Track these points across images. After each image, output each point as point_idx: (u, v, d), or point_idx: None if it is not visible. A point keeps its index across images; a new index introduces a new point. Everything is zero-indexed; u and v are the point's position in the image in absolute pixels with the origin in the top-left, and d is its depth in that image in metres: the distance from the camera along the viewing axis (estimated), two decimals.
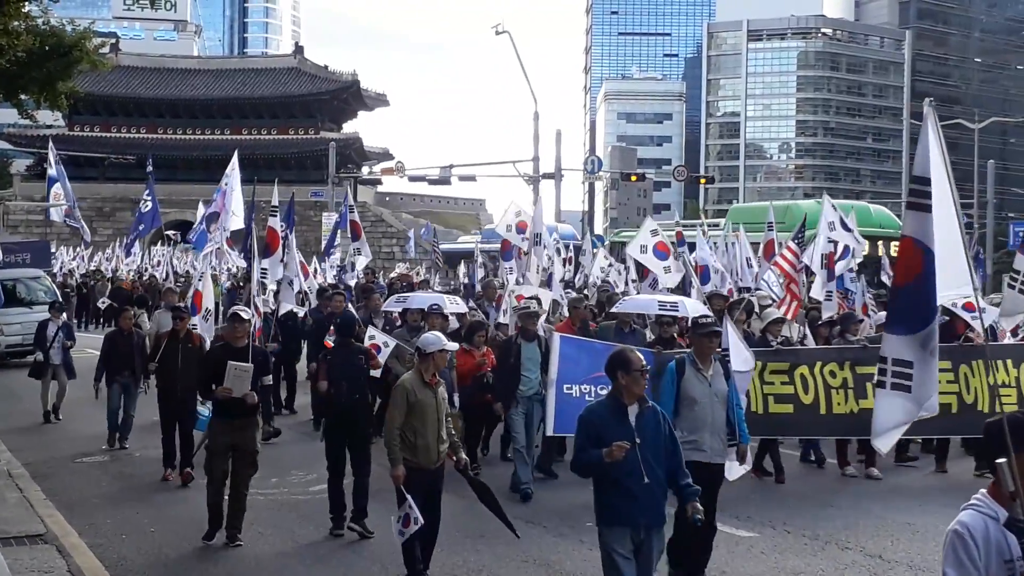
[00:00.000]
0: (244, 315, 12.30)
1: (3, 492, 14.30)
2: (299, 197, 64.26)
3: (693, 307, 16.72)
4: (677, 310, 16.06)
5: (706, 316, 12.13)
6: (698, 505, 8.10)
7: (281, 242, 25.67)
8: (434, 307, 16.29)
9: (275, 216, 25.17)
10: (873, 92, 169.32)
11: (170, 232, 54.73)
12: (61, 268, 52.65)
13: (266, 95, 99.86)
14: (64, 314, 21.08)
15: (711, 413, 10.05)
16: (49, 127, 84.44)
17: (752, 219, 29.47)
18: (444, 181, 63.67)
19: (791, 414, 14.54)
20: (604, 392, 12.90)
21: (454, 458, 10.44)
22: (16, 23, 19.27)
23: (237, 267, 43.48)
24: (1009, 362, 15.15)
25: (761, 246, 24.54)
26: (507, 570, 10.92)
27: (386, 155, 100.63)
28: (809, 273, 21.17)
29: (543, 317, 16.38)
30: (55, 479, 15.24)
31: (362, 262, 27.02)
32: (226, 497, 11.96)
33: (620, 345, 14.74)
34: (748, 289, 22.43)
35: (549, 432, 13.92)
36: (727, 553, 11.35)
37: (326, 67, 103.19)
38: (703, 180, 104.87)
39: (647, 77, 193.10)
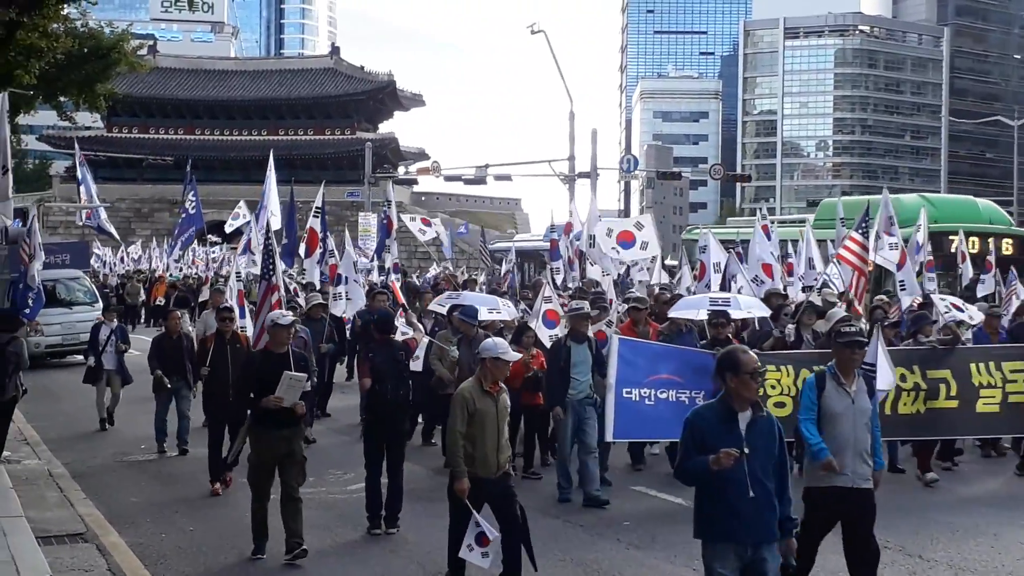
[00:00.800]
0: (284, 321, 11.62)
1: (44, 491, 14.40)
2: (335, 197, 64.75)
3: (747, 303, 16.53)
4: (729, 305, 15.69)
5: (849, 324, 11.79)
6: (793, 543, 7.45)
7: (320, 244, 25.81)
8: (467, 312, 15.48)
9: (317, 217, 25.28)
10: (911, 89, 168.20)
11: (212, 236, 54.98)
12: (105, 267, 53.08)
13: (302, 96, 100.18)
14: (115, 316, 20.25)
15: (853, 433, 8.94)
16: (87, 129, 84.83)
17: (848, 214, 27.19)
18: (480, 181, 63.57)
19: None
20: (664, 396, 13.21)
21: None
22: (55, 26, 19.37)
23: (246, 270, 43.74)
24: (992, 364, 14.59)
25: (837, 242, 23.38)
26: (545, 570, 10.89)
27: (422, 155, 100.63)
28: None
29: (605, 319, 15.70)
30: (95, 479, 15.29)
31: (389, 260, 26.31)
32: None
33: (678, 346, 14.38)
34: (810, 288, 21.39)
35: (608, 438, 13.38)
36: None
37: (362, 68, 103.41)
38: (740, 179, 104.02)
39: (683, 75, 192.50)
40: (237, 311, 16.73)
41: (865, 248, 18.90)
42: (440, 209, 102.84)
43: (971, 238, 26.11)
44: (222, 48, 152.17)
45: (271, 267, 14.69)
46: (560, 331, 15.13)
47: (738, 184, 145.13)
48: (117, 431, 18.83)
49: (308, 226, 26.07)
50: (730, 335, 14.49)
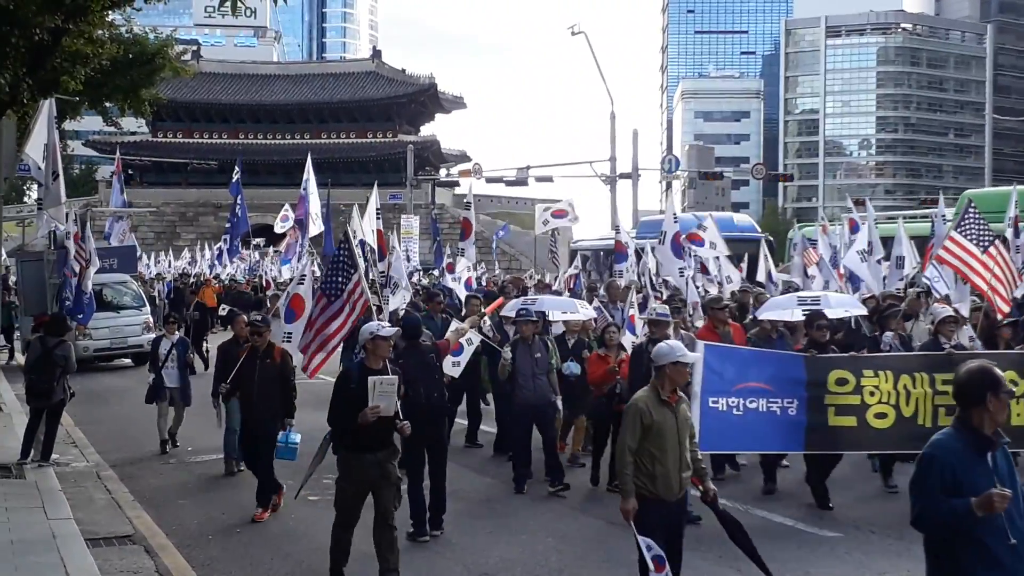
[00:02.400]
0: (386, 332, 10.48)
1: (92, 493, 14.49)
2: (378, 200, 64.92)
3: (841, 301, 15.85)
4: (819, 304, 14.82)
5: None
6: None
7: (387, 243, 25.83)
8: (522, 312, 15.02)
9: (379, 219, 25.19)
10: (955, 87, 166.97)
11: (258, 240, 55.17)
12: (158, 271, 53.35)
13: (344, 99, 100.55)
14: (179, 327, 17.96)
15: None
16: (132, 134, 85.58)
17: (992, 207, 23.66)
18: (521, 182, 63.66)
19: None
20: (753, 406, 12.22)
21: (700, 488, 8.99)
22: (100, 32, 19.45)
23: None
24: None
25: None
26: (588, 570, 10.86)
27: (463, 157, 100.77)
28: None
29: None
30: (142, 480, 15.38)
31: (463, 264, 25.55)
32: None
33: (767, 351, 13.39)
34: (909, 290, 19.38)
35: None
36: (810, 553, 11.20)
37: (403, 71, 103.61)
38: (782, 178, 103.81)
39: (724, 75, 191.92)
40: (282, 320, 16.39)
41: (964, 248, 16.56)
42: (482, 211, 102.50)
43: None
44: (265, 52, 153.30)
45: (343, 280, 12.83)
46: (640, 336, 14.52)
47: (780, 184, 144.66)
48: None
49: (376, 229, 25.87)
50: (827, 339, 13.53)
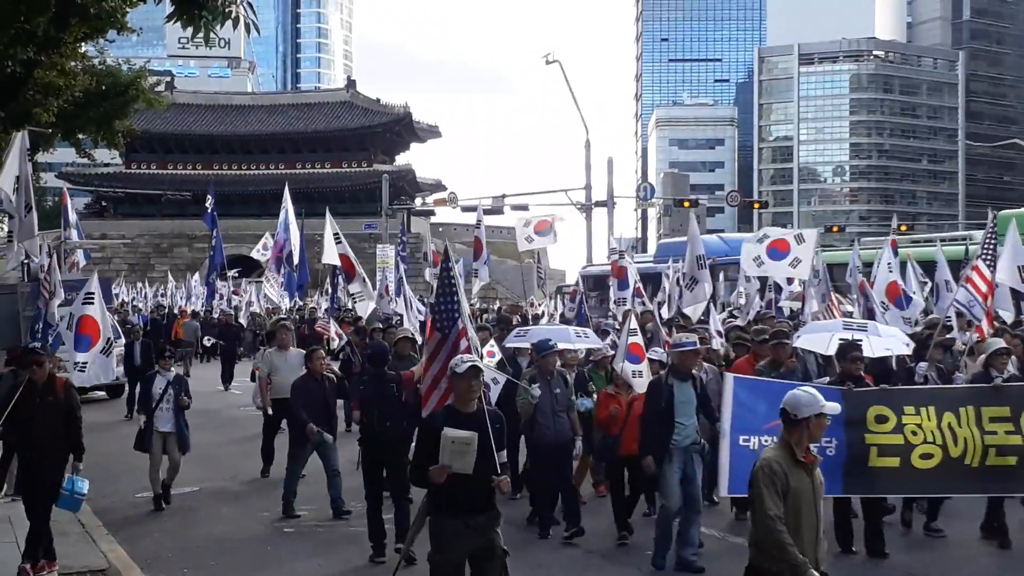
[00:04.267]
0: (472, 363, 8.51)
1: (65, 527, 14.40)
2: (353, 229, 64.87)
3: (886, 334, 14.57)
4: (866, 331, 13.88)
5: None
6: None
7: (355, 266, 25.72)
8: (546, 344, 13.97)
9: (341, 243, 25.18)
10: (927, 114, 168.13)
11: (234, 271, 55.08)
12: (122, 305, 53.06)
13: (319, 129, 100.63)
14: (174, 363, 16.01)
15: None
16: (106, 166, 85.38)
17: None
18: (497, 211, 63.61)
19: (1014, 467, 11.36)
20: None
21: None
22: (73, 64, 19.54)
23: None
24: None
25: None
26: None
27: (439, 186, 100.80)
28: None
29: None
30: (116, 513, 15.33)
31: (478, 285, 24.81)
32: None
33: (802, 383, 11.86)
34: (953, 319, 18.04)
35: (723, 492, 11.55)
36: None
37: (378, 100, 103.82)
38: (757, 205, 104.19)
39: (698, 103, 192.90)
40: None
41: (984, 279, 16.07)
42: (458, 239, 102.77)
43: None
44: (239, 83, 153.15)
45: (454, 311, 11.00)
46: (645, 368, 13.52)
47: (755, 210, 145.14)
48: (137, 465, 17.07)
49: (340, 254, 25.95)
50: (863, 372, 12.37)
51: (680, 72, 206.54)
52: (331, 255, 24.00)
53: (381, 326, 23.22)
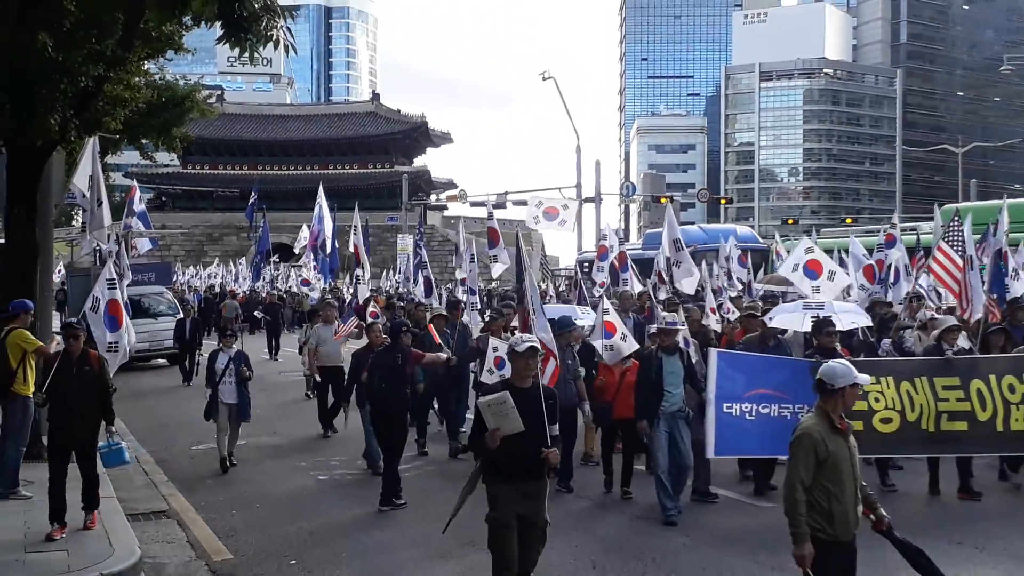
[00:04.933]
0: (531, 344, 7.82)
1: (132, 476, 14.48)
2: (377, 222, 64.91)
3: (844, 310, 14.20)
4: (823, 309, 13.49)
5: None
6: None
7: (364, 256, 25.76)
8: (565, 321, 13.60)
9: (357, 235, 25.23)
10: (869, 123, 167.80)
11: (274, 256, 55.15)
12: (180, 285, 53.07)
13: (348, 136, 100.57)
14: (236, 340, 15.09)
15: None
16: (166, 167, 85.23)
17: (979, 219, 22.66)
18: (500, 205, 63.47)
19: (965, 431, 11.29)
20: (766, 411, 11.13)
21: (871, 516, 6.94)
22: (137, 79, 19.46)
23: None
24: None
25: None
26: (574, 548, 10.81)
27: (451, 184, 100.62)
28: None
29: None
30: (175, 465, 15.39)
31: (498, 269, 23.85)
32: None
33: (778, 357, 12.03)
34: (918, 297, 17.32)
35: (709, 454, 11.29)
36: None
37: (399, 111, 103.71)
38: (723, 201, 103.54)
39: (673, 114, 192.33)
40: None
41: (951, 260, 15.44)
42: (467, 231, 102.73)
43: None
44: (279, 96, 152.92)
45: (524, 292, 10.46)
46: (616, 342, 13.10)
47: (722, 206, 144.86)
48: (192, 422, 17.31)
49: (353, 243, 26.06)
50: (837, 345, 11.99)
51: (658, 87, 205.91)
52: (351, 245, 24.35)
53: (415, 301, 23.09)
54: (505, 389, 7.58)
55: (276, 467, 15.17)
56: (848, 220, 76.61)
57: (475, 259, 23.93)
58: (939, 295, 18.31)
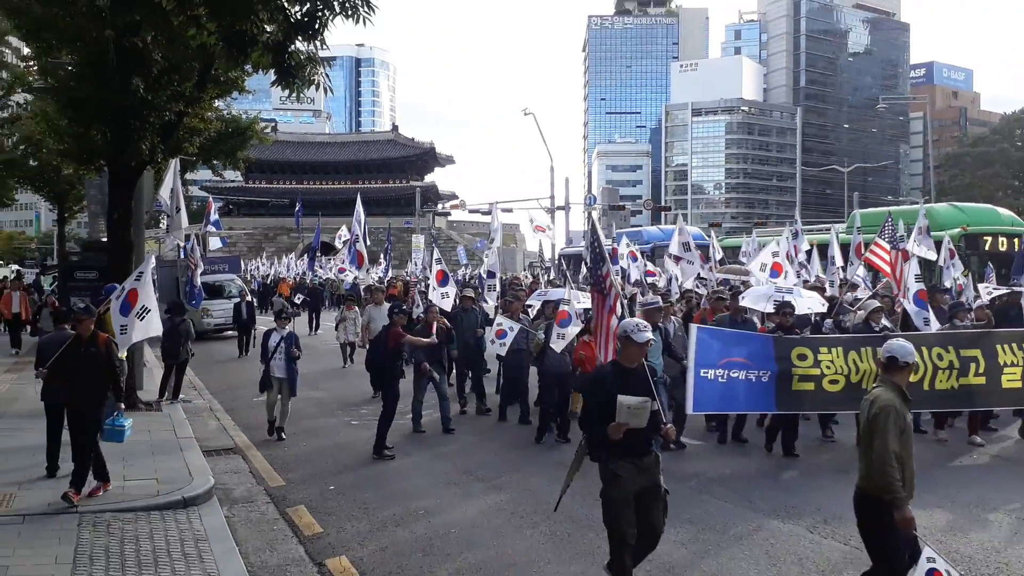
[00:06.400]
0: (641, 337, 6.34)
1: (207, 421, 14.49)
2: (396, 224, 64.80)
3: (804, 297, 13.82)
4: (791, 294, 13.23)
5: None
6: None
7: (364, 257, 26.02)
8: (556, 302, 13.20)
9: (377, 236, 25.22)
10: (776, 149, 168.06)
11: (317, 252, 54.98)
12: (245, 273, 52.83)
13: (373, 158, 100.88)
14: (289, 322, 13.79)
15: None
16: (232, 182, 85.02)
17: (872, 223, 22.74)
18: (491, 212, 63.99)
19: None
20: (736, 375, 10.55)
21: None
22: (209, 114, 19.41)
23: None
24: (1015, 345, 11.65)
25: (851, 247, 19.77)
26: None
27: (453, 196, 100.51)
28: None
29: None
30: (240, 413, 15.37)
31: (493, 257, 23.12)
32: None
33: (747, 332, 11.59)
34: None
35: (689, 411, 10.69)
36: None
37: (413, 139, 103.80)
38: (663, 209, 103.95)
39: (625, 141, 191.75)
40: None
41: (888, 252, 14.81)
42: (466, 231, 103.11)
43: (1000, 238, 22.22)
44: (320, 127, 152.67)
45: (601, 274, 9.01)
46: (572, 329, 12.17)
47: (662, 213, 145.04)
48: (254, 383, 17.69)
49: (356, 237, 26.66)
50: (793, 324, 11.83)
51: (613, 120, 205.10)
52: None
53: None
54: (613, 369, 6.36)
55: (320, 416, 15.15)
56: (758, 223, 76.74)
57: (499, 251, 24.17)
58: (876, 281, 17.61)
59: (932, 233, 18.20)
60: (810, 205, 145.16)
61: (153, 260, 11.73)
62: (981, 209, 24.67)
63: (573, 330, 12.11)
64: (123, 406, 9.39)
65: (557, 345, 12.07)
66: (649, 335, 6.38)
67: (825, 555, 7.67)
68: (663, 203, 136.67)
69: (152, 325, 11.26)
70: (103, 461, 9.23)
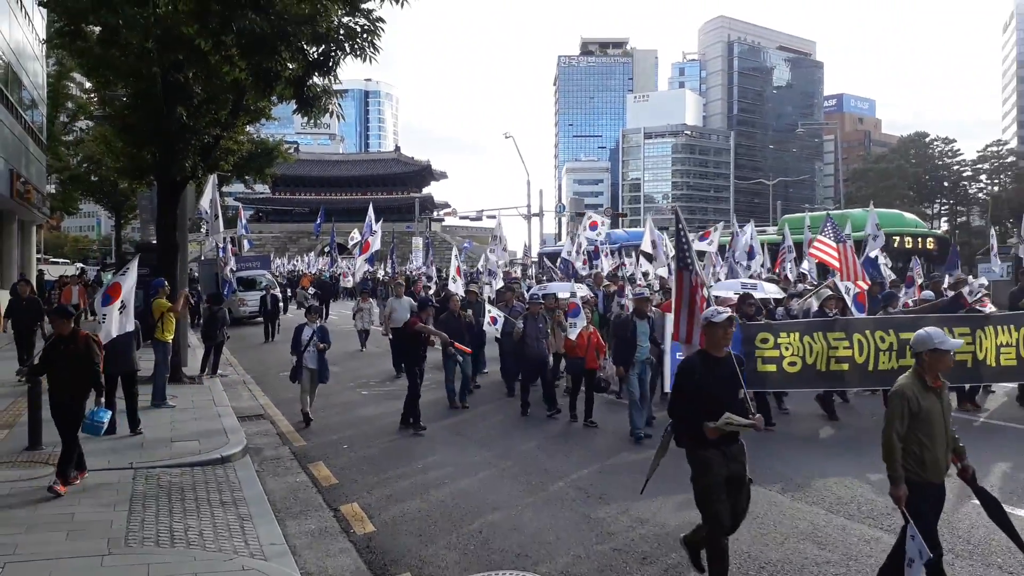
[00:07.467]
0: (719, 319, 5.49)
1: (240, 391, 14.45)
2: (399, 229, 64.66)
3: (765, 288, 13.41)
4: (756, 289, 12.73)
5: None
6: None
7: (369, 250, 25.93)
8: (534, 296, 12.87)
9: (376, 235, 25.16)
10: (713, 166, 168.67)
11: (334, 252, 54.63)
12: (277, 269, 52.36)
13: (379, 174, 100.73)
14: (318, 316, 12.57)
15: None
16: (261, 193, 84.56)
17: (799, 225, 22.70)
18: (478, 218, 64.27)
19: (846, 371, 10.42)
20: None
21: (958, 465, 5.23)
22: (241, 137, 19.30)
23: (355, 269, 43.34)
24: (1011, 327, 11.07)
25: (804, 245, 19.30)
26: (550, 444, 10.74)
27: (446, 205, 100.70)
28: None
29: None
30: (270, 386, 15.31)
31: (494, 257, 22.12)
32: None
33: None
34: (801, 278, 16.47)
35: (667, 389, 9.99)
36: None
37: (412, 158, 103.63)
38: (621, 215, 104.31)
39: (589, 159, 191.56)
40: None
41: (831, 247, 13.84)
42: (458, 235, 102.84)
43: (906, 238, 22.44)
44: (335, 148, 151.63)
45: (688, 256, 8.12)
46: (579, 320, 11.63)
47: (620, 219, 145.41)
48: (281, 361, 16.89)
49: (367, 239, 26.45)
50: (755, 313, 11.31)
51: (579, 142, 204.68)
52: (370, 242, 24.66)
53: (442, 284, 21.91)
54: (700, 359, 5.48)
55: (334, 384, 15.05)
56: (704, 234, 76.77)
57: (506, 248, 23.82)
58: (825, 274, 17.01)
59: (852, 234, 17.86)
60: (741, 212, 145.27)
61: (136, 260, 10.64)
62: (890, 214, 24.85)
63: (582, 321, 11.55)
64: (102, 400, 8.17)
65: (572, 333, 11.55)
66: (726, 312, 5.52)
67: (807, 518, 7.14)
68: (620, 211, 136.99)
69: (128, 322, 10.09)
70: (81, 452, 8.16)
